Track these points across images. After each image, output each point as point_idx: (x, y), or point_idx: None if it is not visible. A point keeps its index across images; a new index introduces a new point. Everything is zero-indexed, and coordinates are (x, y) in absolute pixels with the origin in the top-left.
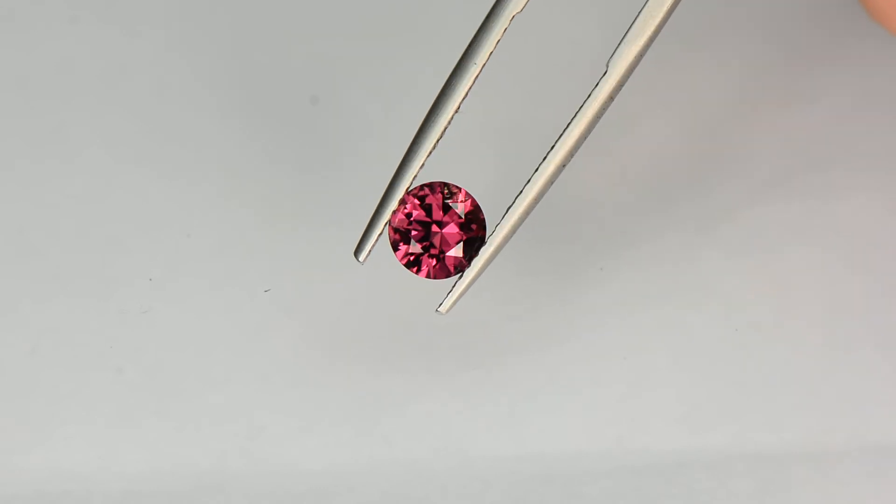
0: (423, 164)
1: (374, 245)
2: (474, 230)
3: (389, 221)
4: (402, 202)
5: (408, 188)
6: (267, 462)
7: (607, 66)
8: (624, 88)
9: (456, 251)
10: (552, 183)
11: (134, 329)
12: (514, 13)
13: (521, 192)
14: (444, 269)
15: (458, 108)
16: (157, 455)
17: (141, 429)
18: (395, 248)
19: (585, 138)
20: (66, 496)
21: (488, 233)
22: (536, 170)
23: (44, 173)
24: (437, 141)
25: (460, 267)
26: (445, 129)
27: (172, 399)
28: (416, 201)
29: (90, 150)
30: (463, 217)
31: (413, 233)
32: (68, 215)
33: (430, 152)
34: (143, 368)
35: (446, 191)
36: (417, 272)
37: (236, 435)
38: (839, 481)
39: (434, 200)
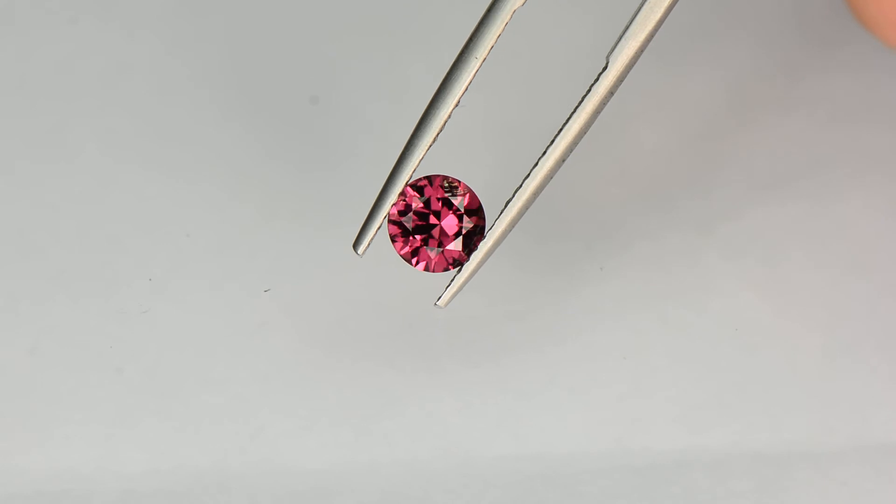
0: (422, 158)
1: (372, 238)
2: (473, 223)
3: (389, 214)
4: (402, 195)
5: (407, 181)
6: (267, 462)
7: (607, 61)
8: (624, 89)
9: (455, 244)
10: (551, 177)
11: (134, 329)
12: (516, 7)
13: (521, 186)
14: (443, 263)
15: (458, 101)
16: (157, 455)
17: (141, 429)
18: (394, 241)
19: (585, 133)
20: (66, 496)
21: (487, 226)
22: (535, 164)
23: (44, 173)
24: (437, 134)
25: (459, 260)
26: (445, 122)
27: (172, 399)
28: (416, 194)
29: (90, 150)
30: (462, 210)
31: (412, 225)
32: (68, 215)
33: (430, 145)
34: (143, 368)
35: (446, 184)
36: (416, 265)
37: (236, 435)
38: (839, 481)
39: (433, 193)
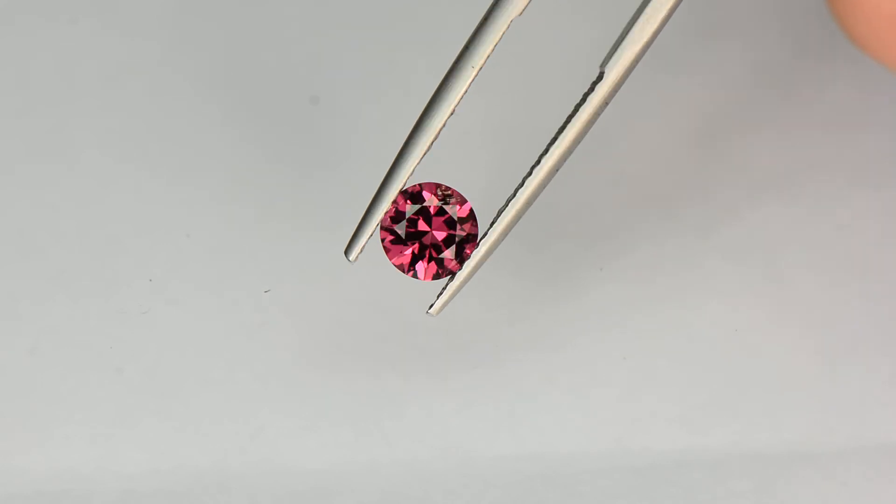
0: (416, 165)
1: (364, 244)
2: (466, 232)
3: (381, 221)
4: (395, 202)
5: (401, 188)
6: (267, 462)
7: (603, 71)
8: (624, 91)
9: (448, 253)
10: (544, 187)
11: (134, 329)
12: (513, 17)
13: (514, 195)
14: (436, 271)
15: (454, 110)
16: (157, 455)
17: (141, 429)
18: (387, 249)
19: (579, 143)
20: (66, 496)
21: (480, 235)
22: (529, 174)
23: (44, 174)
24: (432, 142)
25: (452, 268)
26: (440, 130)
27: (172, 399)
28: (409, 202)
29: (90, 150)
30: (455, 218)
31: (404, 233)
32: (68, 216)
33: (425, 153)
34: (143, 368)
35: (439, 192)
36: (408, 273)
37: (236, 435)
38: (839, 481)
39: (427, 201)
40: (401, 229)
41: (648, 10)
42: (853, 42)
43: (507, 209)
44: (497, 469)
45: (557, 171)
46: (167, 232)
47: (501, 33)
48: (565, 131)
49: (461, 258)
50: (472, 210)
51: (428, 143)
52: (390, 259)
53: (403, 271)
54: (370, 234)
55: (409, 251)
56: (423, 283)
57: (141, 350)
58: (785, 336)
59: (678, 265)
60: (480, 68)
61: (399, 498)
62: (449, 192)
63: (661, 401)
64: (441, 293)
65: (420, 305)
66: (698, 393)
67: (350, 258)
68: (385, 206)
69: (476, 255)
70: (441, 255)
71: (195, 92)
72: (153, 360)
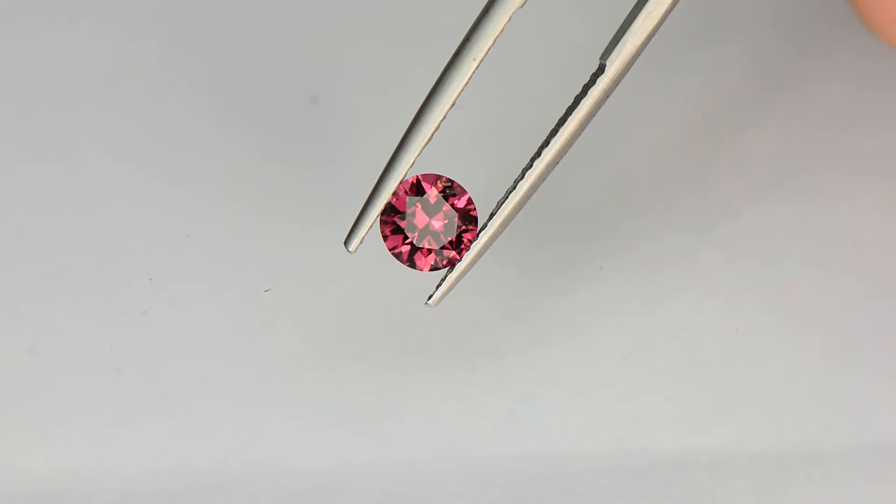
0: (416, 157)
1: (364, 235)
2: (466, 223)
3: (381, 212)
4: (395, 193)
5: (401, 179)
6: (267, 462)
7: (600, 63)
8: (623, 88)
9: (447, 244)
10: (544, 179)
11: (134, 329)
12: (514, 8)
13: (513, 187)
14: (435, 262)
15: (454, 102)
16: (157, 455)
17: (141, 429)
18: (386, 239)
19: (579, 136)
20: (66, 496)
21: (479, 226)
22: (529, 166)
23: (44, 174)
24: (432, 134)
25: (451, 259)
26: (440, 123)
27: (172, 399)
28: (409, 193)
29: (90, 150)
30: (455, 210)
31: (404, 224)
32: (68, 216)
33: (425, 145)
34: (143, 368)
35: (439, 183)
36: (407, 263)
37: (236, 435)
38: (839, 481)
39: (426, 192)
40: (400, 220)
41: (650, 3)
42: (871, 27)
43: (506, 201)
44: (497, 469)
45: (557, 163)
46: (167, 232)
47: (503, 25)
48: (566, 124)
49: (460, 249)
50: (471, 202)
51: (428, 135)
52: (389, 249)
53: (402, 262)
54: (370, 224)
55: (408, 241)
56: (425, 282)
57: (141, 350)
58: (785, 335)
59: (678, 264)
60: (481, 61)
61: (399, 498)
62: (449, 183)
63: (661, 401)
64: (440, 284)
65: (420, 306)
66: (698, 393)
67: (350, 248)
68: (385, 196)
69: (475, 247)
70: (440, 247)
71: (195, 92)
72: (153, 360)
